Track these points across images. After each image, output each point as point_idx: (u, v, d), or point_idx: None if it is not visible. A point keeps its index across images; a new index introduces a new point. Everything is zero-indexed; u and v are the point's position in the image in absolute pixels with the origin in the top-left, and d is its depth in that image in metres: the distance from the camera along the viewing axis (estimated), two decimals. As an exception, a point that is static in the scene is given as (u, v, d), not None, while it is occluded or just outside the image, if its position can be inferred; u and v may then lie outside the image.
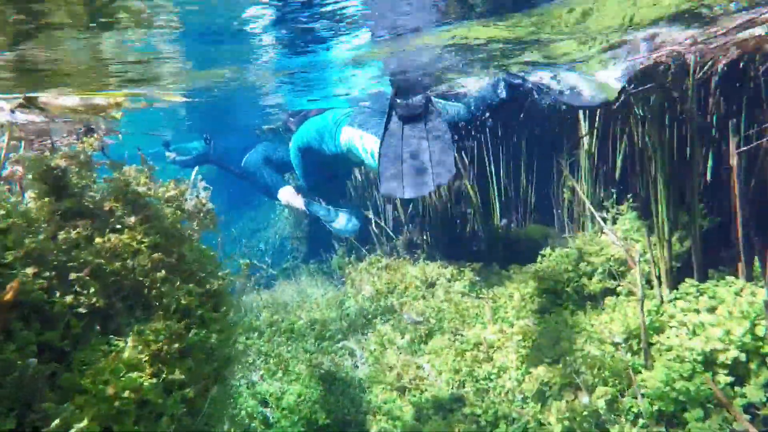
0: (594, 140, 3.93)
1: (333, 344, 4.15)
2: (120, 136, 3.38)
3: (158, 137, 7.94)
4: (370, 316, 4.09)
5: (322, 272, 7.13)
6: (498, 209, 5.14)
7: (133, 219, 2.45)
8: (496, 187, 5.13)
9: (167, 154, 9.16)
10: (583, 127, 4.03)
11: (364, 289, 4.42)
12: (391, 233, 6.09)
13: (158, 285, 2.30)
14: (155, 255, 2.37)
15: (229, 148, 6.77)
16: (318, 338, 4.25)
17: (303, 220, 8.11)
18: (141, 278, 2.24)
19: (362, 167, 6.09)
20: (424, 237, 5.69)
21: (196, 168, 3.82)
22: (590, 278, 3.14)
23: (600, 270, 3.11)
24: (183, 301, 2.37)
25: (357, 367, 3.86)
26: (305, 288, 6.88)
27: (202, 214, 3.25)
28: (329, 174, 5.08)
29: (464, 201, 5.45)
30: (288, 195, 5.30)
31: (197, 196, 3.37)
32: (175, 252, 2.58)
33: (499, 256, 5.09)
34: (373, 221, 6.36)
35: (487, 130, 5.10)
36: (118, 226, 2.38)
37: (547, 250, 4.01)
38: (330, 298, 4.94)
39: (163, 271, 2.41)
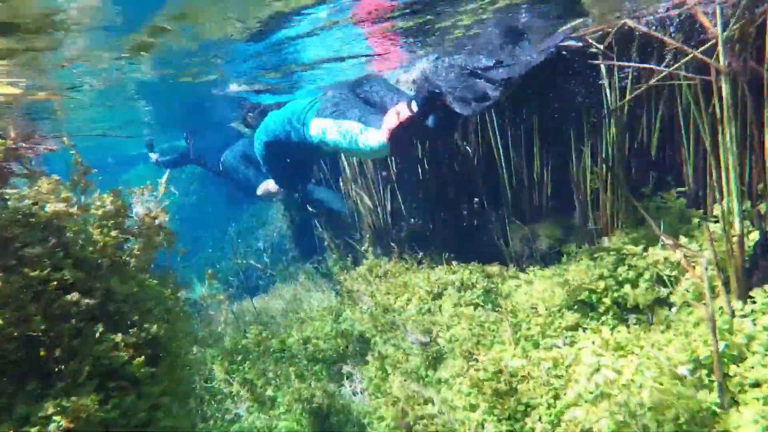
0: (625, 112, 3.28)
1: (328, 367, 3.59)
2: (66, 140, 2.81)
3: (132, 138, 7.34)
4: (368, 335, 3.51)
5: (320, 275, 6.57)
6: (509, 196, 4.52)
7: (38, 249, 1.86)
8: (506, 172, 4.50)
9: (151, 155, 8.62)
10: (610, 96, 3.38)
11: (361, 300, 3.84)
12: (389, 226, 5.50)
13: (67, 340, 1.72)
14: (68, 297, 1.78)
15: (209, 147, 6.26)
16: (311, 360, 3.69)
17: (295, 217, 7.54)
18: (40, 333, 1.64)
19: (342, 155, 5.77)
20: (428, 232, 5.08)
21: (167, 172, 3.23)
22: (634, 286, 2.53)
23: (646, 276, 2.50)
24: (103, 360, 1.76)
25: (355, 395, 3.30)
26: (301, 294, 6.32)
27: (151, 231, 2.67)
28: (296, 164, 5.02)
29: (471, 188, 4.83)
30: (263, 186, 5.28)
31: (148, 211, 2.79)
32: (100, 288, 1.99)
33: (512, 253, 4.49)
34: (370, 214, 5.76)
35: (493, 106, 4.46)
36: (14, 262, 1.79)
37: (570, 247, 3.40)
38: (326, 308, 4.37)
39: (74, 320, 1.80)
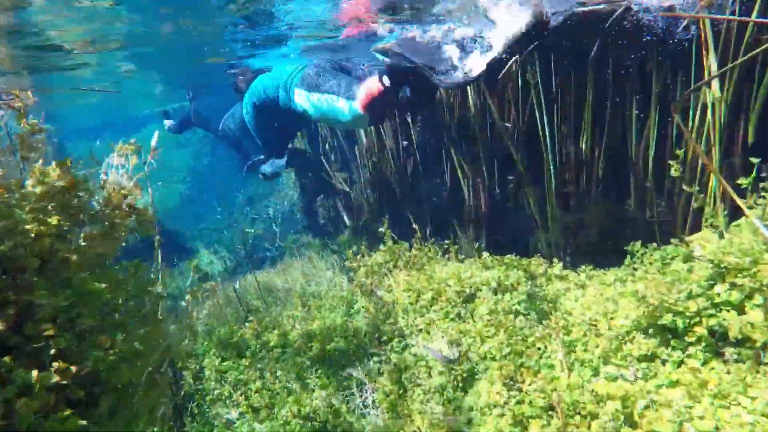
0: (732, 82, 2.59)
1: (335, 372, 3.07)
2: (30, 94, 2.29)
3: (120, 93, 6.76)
4: (384, 337, 2.97)
5: (330, 251, 6.04)
6: (553, 175, 3.87)
7: None
8: (549, 148, 3.85)
9: (165, 122, 8.18)
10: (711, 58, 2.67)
11: (377, 292, 3.28)
12: (411, 204, 4.90)
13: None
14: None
15: (213, 109, 5.73)
16: (316, 361, 3.18)
17: (307, 186, 6.96)
18: None
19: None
20: (453, 215, 4.48)
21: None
22: (740, 311, 1.92)
23: (757, 300, 1.89)
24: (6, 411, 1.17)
25: (365, 409, 2.79)
26: (310, 272, 5.81)
27: (116, 213, 2.12)
28: (283, 128, 5.15)
29: (506, 165, 4.19)
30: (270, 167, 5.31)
31: (117, 186, 2.24)
32: (13, 303, 1.46)
33: (551, 242, 3.87)
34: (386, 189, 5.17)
35: (538, 72, 3.76)
36: None
37: (635, 246, 2.78)
38: (336, 296, 3.84)
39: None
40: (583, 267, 3.02)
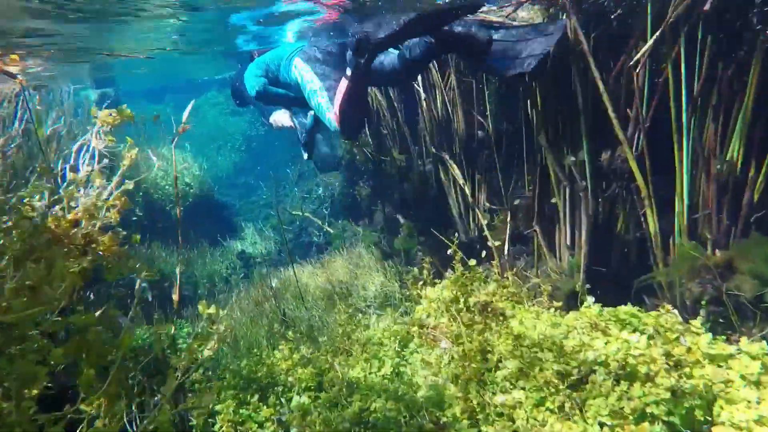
0: None
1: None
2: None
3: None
4: (446, 417, 2.17)
5: (382, 252, 5.28)
6: (686, 197, 2.88)
7: None
8: (686, 160, 2.84)
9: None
10: None
11: (441, 343, 2.48)
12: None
13: None
14: None
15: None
16: (353, 422, 2.44)
17: (359, 171, 6.18)
18: None
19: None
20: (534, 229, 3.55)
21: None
22: None
23: None
24: None
25: None
26: (356, 270, 5.09)
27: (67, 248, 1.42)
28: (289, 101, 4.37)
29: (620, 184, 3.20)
30: (276, 116, 4.50)
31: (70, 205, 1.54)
32: None
33: (679, 291, 2.88)
34: (456, 193, 4.29)
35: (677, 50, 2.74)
36: None
37: None
38: (387, 329, 3.08)
39: None
40: (749, 339, 2.07)
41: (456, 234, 3.57)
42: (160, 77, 14.60)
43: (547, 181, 3.47)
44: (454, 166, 4.23)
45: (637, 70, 2.91)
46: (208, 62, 11.11)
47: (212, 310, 1.99)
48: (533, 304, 2.61)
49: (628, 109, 3.05)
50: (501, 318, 2.36)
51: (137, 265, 1.59)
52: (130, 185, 1.70)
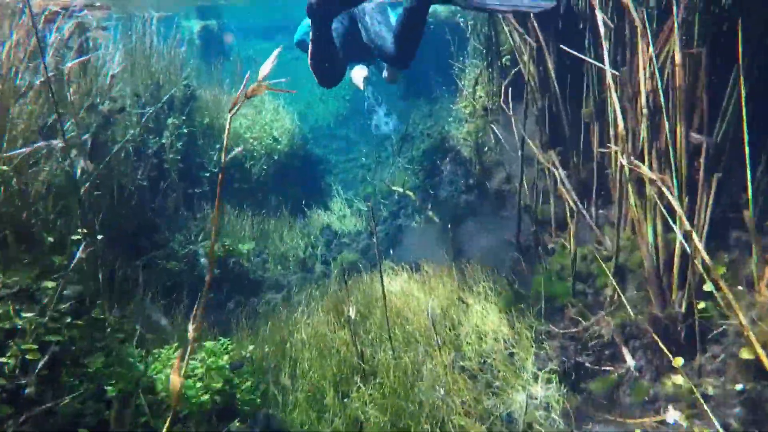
0: None
1: None
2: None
3: None
4: None
5: (514, 293, 3.64)
6: None
7: None
8: None
9: None
10: None
11: None
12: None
13: None
14: None
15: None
16: None
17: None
18: None
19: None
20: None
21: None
22: None
23: None
24: None
25: None
26: (457, 309, 3.60)
27: None
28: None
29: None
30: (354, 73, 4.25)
31: None
32: None
33: None
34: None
35: None
36: None
37: None
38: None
39: None
40: None
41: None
42: (270, 13, 13.64)
43: None
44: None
45: None
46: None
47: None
48: None
49: None
50: None
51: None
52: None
